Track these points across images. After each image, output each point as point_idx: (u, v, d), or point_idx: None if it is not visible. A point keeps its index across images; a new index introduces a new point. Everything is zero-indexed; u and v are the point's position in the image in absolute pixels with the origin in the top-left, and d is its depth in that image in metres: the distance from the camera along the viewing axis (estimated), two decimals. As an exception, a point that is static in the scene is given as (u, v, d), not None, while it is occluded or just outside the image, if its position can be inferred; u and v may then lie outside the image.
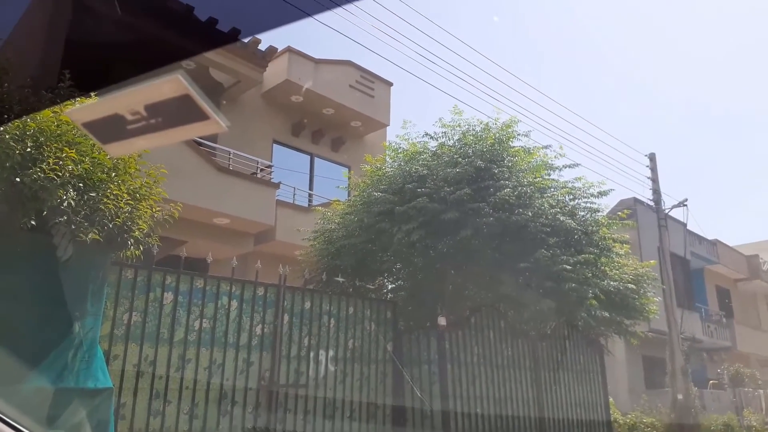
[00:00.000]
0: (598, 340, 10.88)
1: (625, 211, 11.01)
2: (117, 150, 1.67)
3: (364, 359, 7.66)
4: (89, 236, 4.30)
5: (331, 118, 14.74)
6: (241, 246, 11.56)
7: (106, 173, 4.54)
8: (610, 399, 11.38)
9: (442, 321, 7.98)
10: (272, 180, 12.64)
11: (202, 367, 6.15)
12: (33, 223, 4.14)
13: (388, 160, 9.82)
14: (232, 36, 8.10)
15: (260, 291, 6.89)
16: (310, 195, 14.52)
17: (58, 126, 4.33)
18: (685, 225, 19.08)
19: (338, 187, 11.66)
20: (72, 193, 4.24)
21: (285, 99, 13.97)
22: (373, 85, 15.17)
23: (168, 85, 1.29)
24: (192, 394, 6.01)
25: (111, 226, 4.48)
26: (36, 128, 4.25)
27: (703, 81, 59.06)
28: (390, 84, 15.84)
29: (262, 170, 12.83)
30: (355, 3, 8.10)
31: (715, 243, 25.29)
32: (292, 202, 13.39)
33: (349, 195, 10.73)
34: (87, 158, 4.40)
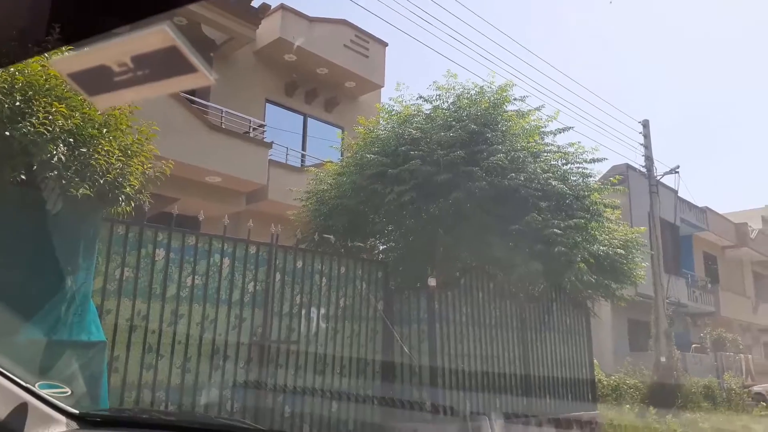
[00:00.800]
0: (585, 302, 11.07)
1: (617, 176, 11.06)
2: (104, 102, 1.65)
3: (355, 317, 7.79)
4: (80, 191, 4.30)
5: (324, 77, 14.56)
6: (233, 205, 11.57)
7: (97, 129, 4.50)
8: (595, 360, 11.66)
9: (432, 281, 8.09)
10: (265, 139, 12.56)
11: (194, 322, 6.23)
12: (23, 177, 4.13)
13: (381, 122, 9.76)
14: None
15: (252, 249, 6.93)
16: (302, 155, 14.46)
17: (47, 80, 4.28)
18: (676, 192, 19.24)
19: (331, 146, 11.62)
20: (62, 148, 4.22)
21: (278, 57, 13.75)
22: (367, 45, 14.94)
23: (155, 36, 1.28)
24: (184, 348, 6.11)
25: (102, 182, 4.47)
26: (25, 82, 4.19)
27: (697, 49, 58.48)
28: (385, 45, 15.60)
29: (254, 129, 12.74)
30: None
31: (704, 210, 25.54)
32: (284, 162, 13.33)
33: (342, 156, 10.69)
34: (77, 113, 4.36)
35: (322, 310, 7.45)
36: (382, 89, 15.59)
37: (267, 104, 14.02)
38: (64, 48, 3.86)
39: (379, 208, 8.57)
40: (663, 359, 15.00)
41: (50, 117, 4.16)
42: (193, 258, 6.37)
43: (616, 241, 9.89)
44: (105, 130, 4.57)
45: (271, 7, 13.18)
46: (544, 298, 10.13)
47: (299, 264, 7.35)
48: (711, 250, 27.48)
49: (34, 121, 4.07)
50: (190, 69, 1.35)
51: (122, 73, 1.38)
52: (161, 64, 1.34)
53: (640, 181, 17.75)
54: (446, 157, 8.10)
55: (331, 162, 10.10)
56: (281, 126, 14.03)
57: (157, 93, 1.46)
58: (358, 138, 9.62)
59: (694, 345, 20.99)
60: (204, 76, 1.38)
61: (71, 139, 4.32)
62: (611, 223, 10.09)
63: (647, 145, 17.23)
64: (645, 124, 17.44)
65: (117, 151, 4.59)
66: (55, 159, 4.16)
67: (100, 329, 4.69)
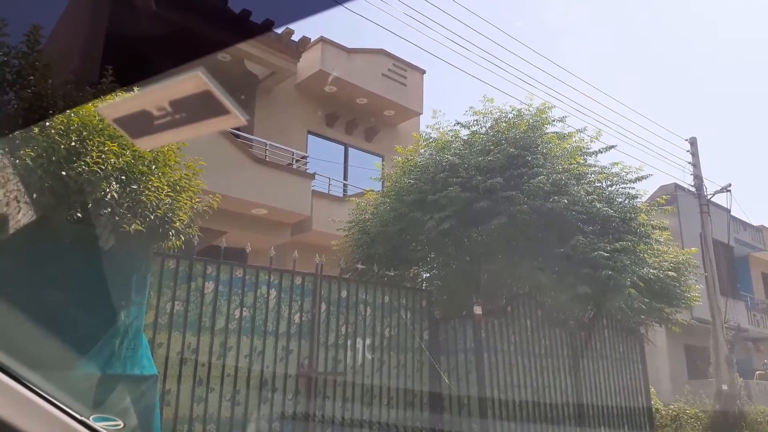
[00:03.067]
0: (638, 328, 10.68)
1: (664, 197, 10.74)
2: (146, 143, 1.76)
3: (401, 348, 7.70)
4: (132, 227, 4.42)
5: (364, 107, 14.75)
6: (278, 236, 11.71)
7: (147, 166, 4.65)
8: (652, 389, 11.17)
9: (477, 310, 7.95)
10: (308, 170, 12.74)
11: (242, 354, 6.28)
12: (79, 215, 4.28)
13: (420, 150, 9.79)
14: (265, 27, 8.19)
15: (298, 280, 6.98)
16: (344, 185, 14.59)
17: (100, 120, 4.45)
18: (728, 211, 18.47)
19: (371, 178, 11.69)
20: (115, 185, 4.36)
21: (319, 89, 14.03)
22: (405, 73, 15.10)
23: (189, 81, 1.36)
24: (233, 380, 6.15)
25: (153, 217, 4.60)
26: (79, 122, 4.37)
27: (746, 62, 56.78)
28: (422, 72, 15.73)
29: (297, 161, 12.95)
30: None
31: (760, 229, 24.45)
32: (327, 192, 13.48)
33: (382, 185, 10.75)
34: (128, 151, 4.52)
35: (368, 341, 7.40)
36: (421, 116, 15.68)
37: (309, 135, 14.26)
38: (117, 91, 4.02)
39: (419, 235, 8.53)
40: (725, 387, 14.23)
41: (103, 156, 4.31)
42: (241, 290, 6.45)
43: (666, 263, 9.57)
44: (154, 167, 4.71)
45: (311, 41, 13.51)
46: (594, 325, 9.82)
47: (344, 294, 7.35)
48: (770, 271, 26.21)
49: (88, 160, 4.23)
50: (223, 111, 1.42)
51: (162, 116, 1.47)
52: (197, 108, 1.43)
53: (690, 201, 17.15)
54: (485, 182, 8.03)
55: (372, 191, 10.16)
56: (323, 157, 14.22)
57: (194, 135, 1.54)
58: (396, 166, 9.66)
59: (757, 372, 19.87)
60: (236, 117, 1.46)
61: (123, 177, 4.47)
62: (660, 245, 9.78)
63: (696, 164, 16.68)
64: (693, 142, 16.92)
65: (166, 187, 4.72)
66: (108, 196, 4.30)
67: (152, 363, 4.76)
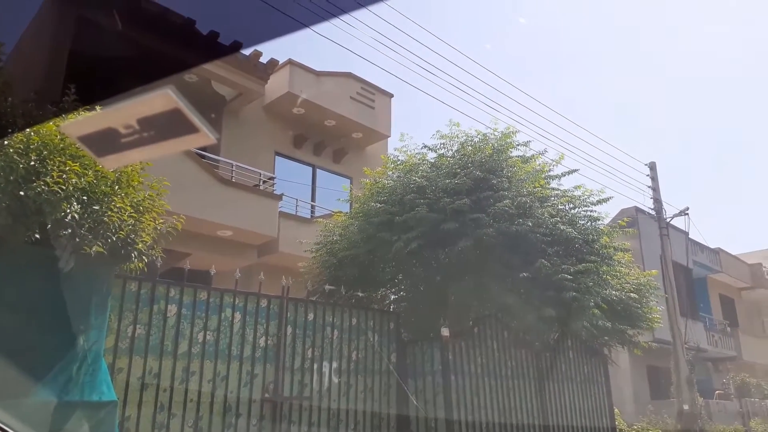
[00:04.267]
0: (602, 350, 10.84)
1: (625, 219, 11.02)
2: (112, 162, 1.73)
3: (368, 370, 7.65)
4: (93, 249, 4.33)
5: (332, 129, 14.81)
6: (244, 258, 11.57)
7: (110, 186, 4.57)
8: (616, 409, 11.32)
9: (445, 332, 7.96)
10: (275, 192, 12.67)
11: (206, 379, 6.14)
12: (37, 236, 4.16)
13: (388, 172, 9.86)
14: (233, 48, 8.19)
15: (263, 303, 6.89)
16: (312, 206, 14.55)
17: (61, 139, 4.37)
18: (687, 234, 19.07)
19: (339, 199, 11.70)
20: (76, 206, 4.27)
21: (287, 111, 14.04)
22: (373, 96, 15.25)
23: (159, 99, 1.35)
24: (196, 406, 6.00)
25: (114, 238, 4.51)
26: (40, 141, 4.29)
27: (704, 90, 59.23)
28: (390, 95, 15.92)
29: (264, 182, 12.87)
30: (353, 14, 8.18)
31: (717, 252, 25.24)
32: (294, 213, 13.41)
33: (350, 207, 10.76)
34: (90, 171, 4.44)
35: (335, 364, 7.32)
36: (389, 139, 15.82)
37: (276, 157, 14.22)
38: (80, 109, 3.95)
39: (387, 257, 8.55)
40: (686, 407, 14.51)
41: (64, 175, 4.23)
42: (205, 313, 6.34)
43: (628, 285, 9.78)
44: (117, 187, 4.63)
45: (279, 63, 13.55)
46: (559, 346, 9.93)
47: (310, 316, 7.29)
48: (727, 293, 27.01)
49: (48, 180, 4.14)
50: (192, 130, 1.42)
51: (129, 134, 1.45)
52: (166, 126, 1.42)
53: (650, 224, 17.63)
54: (452, 204, 8.12)
55: (340, 212, 10.15)
56: (291, 178, 14.18)
57: (162, 153, 1.53)
58: (365, 188, 9.70)
59: (717, 391, 20.34)
60: (206, 135, 1.45)
61: (84, 197, 4.38)
62: (622, 266, 10.00)
63: (655, 187, 17.20)
64: (652, 167, 17.46)
65: (129, 208, 4.65)
66: (69, 217, 4.20)
67: (111, 388, 4.62)
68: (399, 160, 9.67)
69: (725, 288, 26.72)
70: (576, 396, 9.89)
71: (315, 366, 7.11)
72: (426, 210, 8.14)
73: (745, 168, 62.03)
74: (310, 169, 14.94)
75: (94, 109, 3.68)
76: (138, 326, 5.81)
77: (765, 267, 28.57)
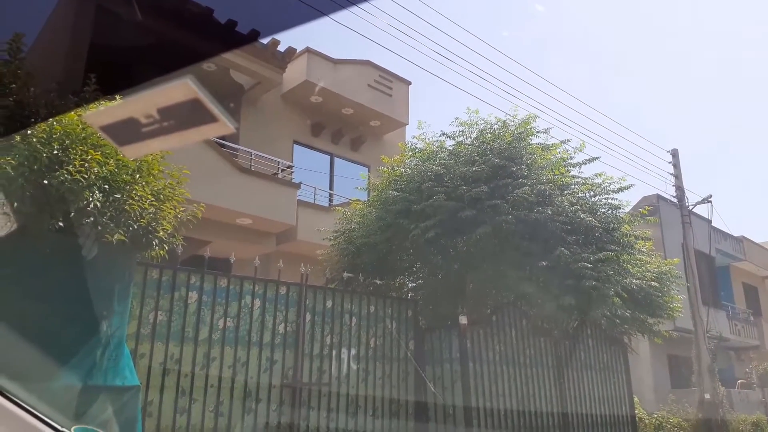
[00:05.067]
0: (622, 338, 10.76)
1: (647, 207, 10.87)
2: (133, 152, 1.75)
3: (386, 357, 7.69)
4: (115, 237, 4.39)
5: (350, 117, 14.80)
6: (263, 246, 11.66)
7: (131, 175, 4.62)
8: (635, 398, 11.25)
9: (463, 320, 7.96)
10: (293, 180, 12.73)
11: (226, 365, 6.23)
12: (61, 224, 4.23)
13: (405, 160, 9.83)
14: (251, 37, 8.19)
15: (283, 290, 6.95)
16: (330, 195, 14.59)
17: (83, 129, 4.42)
18: (709, 221, 18.75)
19: (357, 188, 11.72)
20: (98, 194, 4.32)
21: (305, 99, 14.06)
22: (391, 84, 15.19)
23: (178, 89, 1.36)
24: (217, 391, 6.09)
25: (136, 226, 4.57)
26: (62, 131, 4.34)
27: (727, 76, 57.90)
28: (408, 83, 15.84)
29: (282, 170, 12.94)
30: (372, 2, 8.12)
31: (741, 240, 24.82)
32: (313, 201, 13.47)
33: (368, 195, 10.77)
34: (112, 160, 4.49)
35: (353, 351, 7.37)
36: (407, 127, 15.76)
37: (294, 145, 14.26)
38: (100, 99, 4.00)
39: (405, 244, 8.55)
40: (707, 396, 14.38)
41: (86, 164, 4.28)
42: (225, 300, 6.41)
43: (649, 273, 9.67)
44: (138, 176, 4.68)
45: (297, 51, 13.54)
46: (579, 335, 9.88)
47: (329, 304, 7.34)
48: (750, 281, 26.57)
49: (70, 169, 4.20)
50: (212, 119, 1.42)
51: (149, 124, 1.46)
52: (185, 115, 1.42)
53: (672, 212, 17.38)
54: (470, 192, 8.08)
55: (358, 201, 10.17)
56: (309, 166, 14.23)
57: (182, 142, 1.54)
58: (382, 176, 9.69)
59: (739, 381, 20.10)
60: (225, 125, 1.45)
61: (106, 186, 4.43)
62: (643, 255, 9.89)
63: (678, 175, 16.94)
64: (674, 154, 17.18)
65: (150, 196, 4.69)
66: (91, 206, 4.26)
67: (134, 373, 4.71)
68: (417, 147, 9.63)
69: (749, 276, 26.29)
70: (595, 384, 9.84)
71: (333, 353, 7.17)
72: (444, 198, 8.12)
73: (771, 154, 60.62)
74: (328, 157, 14.96)
75: (115, 98, 3.72)
76: (159, 313, 5.90)
77: (790, 255, 28.03)
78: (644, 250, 9.93)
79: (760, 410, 17.62)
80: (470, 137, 9.40)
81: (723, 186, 58.63)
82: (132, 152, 1.75)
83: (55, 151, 4.25)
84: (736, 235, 24.47)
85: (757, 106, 57.89)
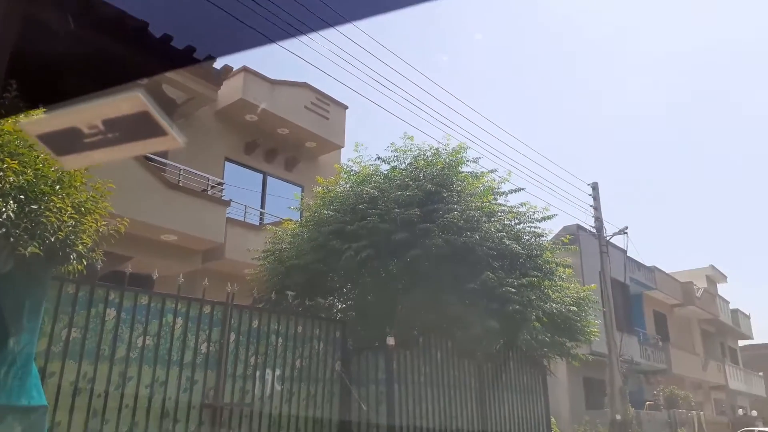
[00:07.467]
0: (542, 361, 11.16)
1: (568, 236, 11.42)
2: (73, 162, 1.71)
3: (312, 378, 7.64)
4: (29, 249, 4.20)
5: (285, 137, 14.76)
6: (188, 263, 11.37)
7: (50, 186, 4.46)
8: (552, 419, 11.64)
9: (390, 341, 8.05)
10: (223, 197, 12.52)
11: (143, 384, 6.00)
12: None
13: (341, 182, 9.92)
14: (188, 54, 8.08)
15: (207, 309, 6.80)
16: (261, 213, 14.43)
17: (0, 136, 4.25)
18: (625, 252, 19.88)
19: (290, 207, 11.66)
20: (12, 204, 4.15)
21: (239, 117, 13.92)
22: (328, 107, 15.31)
23: (128, 101, 1.36)
24: (132, 411, 5.85)
25: (53, 239, 4.39)
26: (-23, 138, 4.15)
27: (643, 110, 62.00)
28: (345, 107, 16.01)
29: (213, 187, 12.70)
30: (317, 32, 8.20)
31: (653, 270, 26.38)
32: (243, 220, 13.27)
33: (301, 216, 10.75)
34: (30, 170, 4.32)
35: (278, 372, 7.28)
36: (343, 149, 15.89)
37: (226, 162, 14.05)
38: (23, 108, 3.86)
39: (337, 265, 8.58)
40: (618, 417, 15.09)
41: (1, 173, 4.10)
42: (145, 318, 6.21)
43: (568, 298, 10.11)
44: (58, 187, 4.52)
45: (234, 69, 13.43)
46: (501, 357, 10.17)
47: (255, 323, 7.23)
48: (660, 309, 28.24)
49: (-17, 177, 4.01)
50: (160, 132, 1.43)
51: (94, 134, 1.44)
52: (133, 127, 1.42)
53: (591, 242, 18.31)
54: (403, 215, 8.25)
55: (291, 220, 10.13)
56: (241, 184, 14.04)
57: (127, 154, 1.53)
58: (316, 197, 9.72)
59: (647, 402, 21.20)
60: (173, 139, 1.46)
61: (22, 196, 4.25)
62: (563, 281, 10.34)
63: (597, 207, 17.91)
64: (594, 187, 18.18)
65: (70, 209, 4.53)
66: (4, 216, 4.08)
67: (41, 393, 4.48)
68: (353, 170, 9.75)
69: (659, 304, 27.94)
70: (515, 405, 10.14)
71: (258, 373, 7.05)
72: (377, 220, 8.24)
73: (683, 191, 65.06)
74: (261, 176, 14.82)
75: (37, 107, 3.61)
76: (74, 329, 5.63)
77: (696, 285, 30.05)
78: (564, 276, 10.39)
79: (665, 430, 18.62)
80: (404, 162, 9.62)
81: (638, 218, 62.22)
82: (72, 163, 1.71)
83: (-32, 158, 4.06)
84: (648, 265, 26.01)
85: (674, 145, 62.14)
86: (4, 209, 4.07)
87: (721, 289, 34.56)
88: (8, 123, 4.19)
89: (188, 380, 6.39)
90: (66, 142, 1.46)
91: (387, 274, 8.82)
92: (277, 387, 7.21)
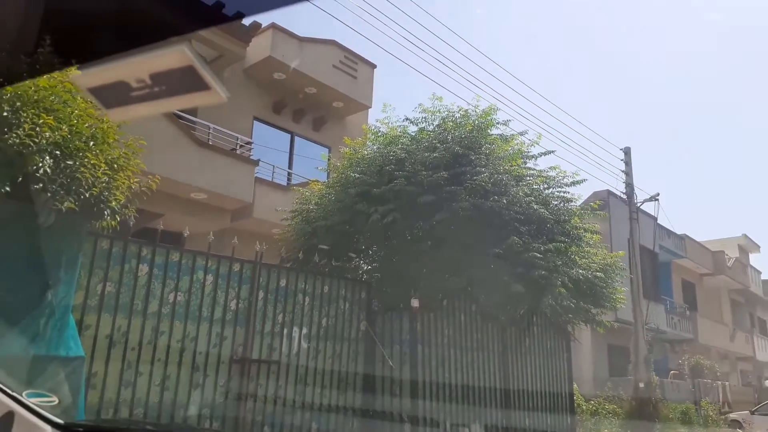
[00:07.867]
0: (566, 327, 11.15)
1: (597, 201, 11.24)
2: (118, 116, 1.71)
3: (338, 337, 7.77)
4: (65, 205, 4.28)
5: (313, 97, 14.66)
6: (218, 222, 11.52)
7: (84, 142, 4.51)
8: (575, 386, 11.71)
9: (415, 303, 8.11)
10: (251, 157, 12.58)
11: (175, 339, 6.18)
12: (7, 189, 4.11)
13: (368, 143, 9.85)
14: (218, 11, 8.00)
15: (236, 267, 6.92)
16: (289, 174, 14.48)
17: (35, 92, 4.28)
18: (655, 219, 19.52)
19: (317, 168, 11.66)
20: (48, 160, 4.21)
21: (267, 76, 13.84)
22: (356, 66, 15.10)
23: (173, 55, 1.34)
24: (164, 365, 6.05)
25: (87, 195, 4.46)
26: (13, 93, 4.19)
27: (680, 79, 59.89)
28: (373, 66, 15.78)
29: (241, 146, 12.76)
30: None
31: (683, 238, 25.91)
32: (270, 180, 13.34)
33: (328, 177, 10.75)
34: (65, 126, 4.37)
35: (305, 330, 7.42)
36: (370, 110, 15.74)
37: (255, 122, 14.06)
38: (57, 64, 3.87)
39: (363, 227, 8.61)
40: (642, 385, 15.09)
41: (37, 129, 4.15)
42: (176, 274, 6.34)
43: (595, 265, 10.02)
44: (92, 143, 4.57)
45: (262, 26, 13.30)
46: (524, 322, 10.19)
47: (283, 282, 7.34)
48: (689, 278, 27.84)
49: (20, 132, 4.07)
50: (204, 87, 1.41)
51: (139, 88, 1.43)
52: (177, 82, 1.40)
53: (621, 208, 18.00)
54: (430, 177, 8.19)
55: (318, 181, 10.14)
56: (268, 144, 14.06)
57: (171, 109, 1.54)
58: (343, 158, 9.69)
59: (672, 371, 21.14)
60: (217, 93, 1.43)
61: (57, 152, 4.31)
62: (591, 247, 10.23)
63: (628, 172, 17.52)
64: (627, 152, 17.75)
65: (103, 165, 4.59)
66: (41, 171, 4.15)
67: (78, 344, 4.64)
68: (380, 131, 9.67)
69: (688, 273, 27.53)
70: (538, 370, 10.20)
71: (285, 331, 7.20)
72: (404, 182, 8.20)
73: (716, 159, 63.26)
74: (289, 136, 14.82)
75: (71, 63, 3.61)
76: (108, 284, 5.79)
77: (727, 255, 29.48)
78: (592, 242, 10.27)
79: (690, 400, 18.60)
80: (432, 124, 9.49)
81: (670, 185, 60.86)
82: (117, 116, 1.71)
83: (5, 113, 4.11)
84: (679, 233, 25.54)
85: (711, 110, 60.19)
86: (41, 164, 4.14)
87: (753, 259, 33.89)
88: (43, 79, 4.22)
89: (218, 336, 6.55)
90: (111, 96, 1.45)
91: (413, 237, 8.83)
92: (304, 345, 7.36)
